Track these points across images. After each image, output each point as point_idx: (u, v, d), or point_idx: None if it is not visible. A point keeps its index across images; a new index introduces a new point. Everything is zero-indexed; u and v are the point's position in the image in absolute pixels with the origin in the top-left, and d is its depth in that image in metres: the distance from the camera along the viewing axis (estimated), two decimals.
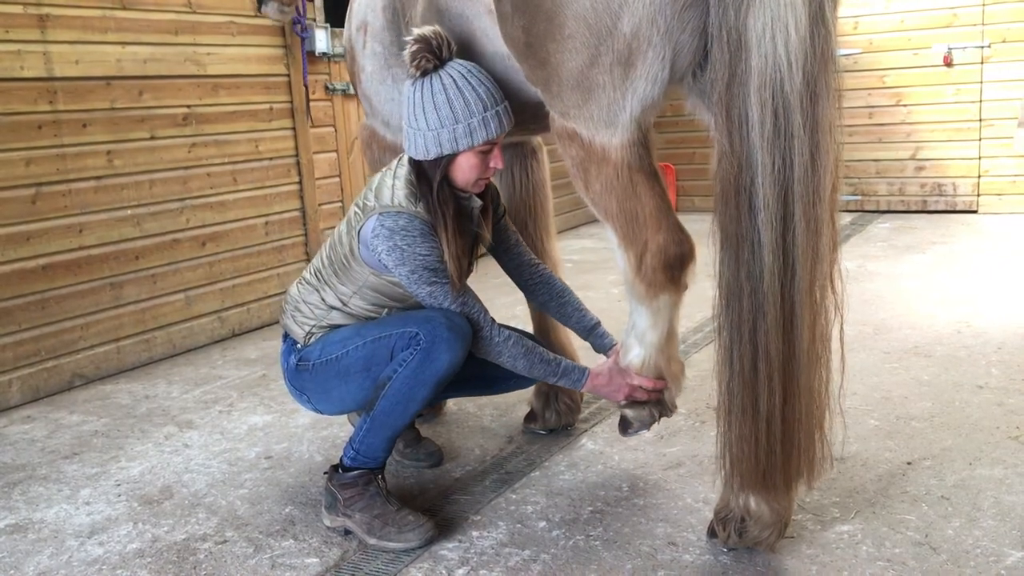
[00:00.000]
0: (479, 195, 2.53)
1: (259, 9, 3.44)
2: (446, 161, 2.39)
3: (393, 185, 2.44)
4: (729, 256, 2.02)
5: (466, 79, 2.36)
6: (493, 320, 2.47)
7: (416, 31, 2.37)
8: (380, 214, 2.39)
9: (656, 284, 2.25)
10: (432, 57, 2.35)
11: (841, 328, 2.13)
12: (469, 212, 2.52)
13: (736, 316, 2.03)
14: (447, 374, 2.39)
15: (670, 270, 2.23)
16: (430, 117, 2.35)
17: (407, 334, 2.38)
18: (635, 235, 2.22)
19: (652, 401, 2.51)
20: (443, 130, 2.35)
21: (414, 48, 2.34)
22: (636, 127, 2.15)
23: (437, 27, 2.41)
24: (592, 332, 2.76)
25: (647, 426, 2.58)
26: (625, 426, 2.62)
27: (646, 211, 2.19)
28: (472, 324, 2.43)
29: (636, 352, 2.43)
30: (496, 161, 2.43)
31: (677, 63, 2.06)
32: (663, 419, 2.60)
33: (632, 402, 2.52)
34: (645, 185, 2.18)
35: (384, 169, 2.56)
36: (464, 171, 2.41)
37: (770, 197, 1.92)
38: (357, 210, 2.49)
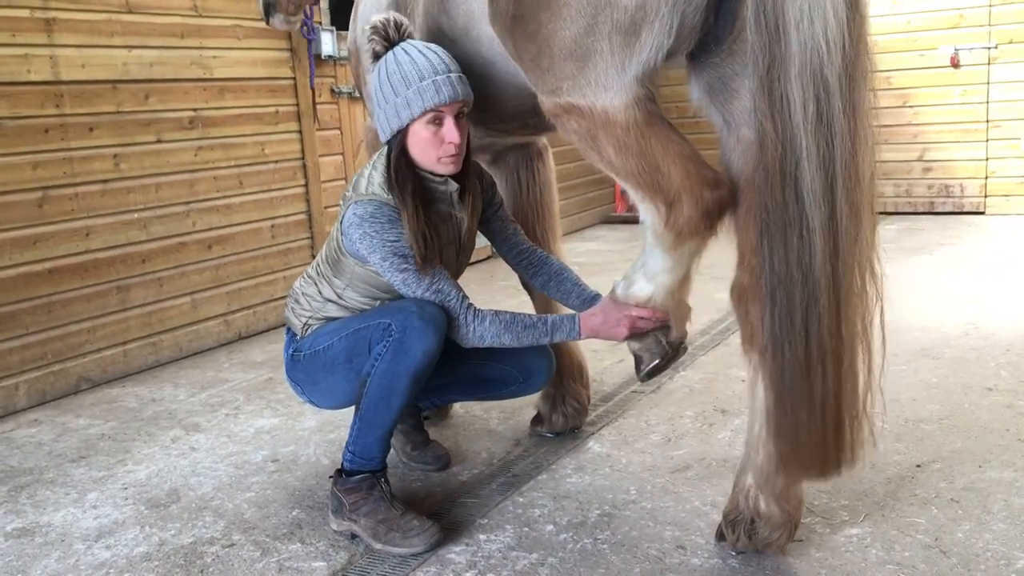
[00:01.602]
0: (457, 179, 2.50)
1: (267, 22, 3.45)
2: (401, 136, 2.40)
3: (369, 175, 2.46)
4: (775, 244, 1.97)
5: (409, 54, 2.37)
6: (470, 305, 2.42)
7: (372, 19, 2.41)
8: (355, 203, 2.41)
9: (685, 233, 2.13)
10: (380, 40, 2.39)
11: (882, 312, 2.08)
12: (447, 196, 2.50)
13: (787, 304, 1.98)
14: (423, 364, 2.35)
15: (708, 217, 2.12)
16: (386, 92, 2.39)
17: (381, 325, 2.38)
18: (665, 186, 2.11)
19: (656, 329, 2.36)
20: (392, 103, 2.38)
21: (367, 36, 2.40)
22: (639, 85, 2.06)
23: (391, 13, 2.43)
24: (592, 302, 2.62)
25: (659, 356, 2.39)
26: (637, 363, 2.44)
27: (669, 160, 2.09)
28: (448, 311, 2.39)
29: (642, 286, 2.28)
30: (451, 134, 2.37)
31: (680, 35, 2.01)
32: (675, 366, 2.34)
33: (635, 334, 2.36)
34: (661, 136, 2.10)
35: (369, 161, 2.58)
36: (418, 145, 2.40)
37: (817, 181, 1.91)
38: (341, 203, 2.51)
